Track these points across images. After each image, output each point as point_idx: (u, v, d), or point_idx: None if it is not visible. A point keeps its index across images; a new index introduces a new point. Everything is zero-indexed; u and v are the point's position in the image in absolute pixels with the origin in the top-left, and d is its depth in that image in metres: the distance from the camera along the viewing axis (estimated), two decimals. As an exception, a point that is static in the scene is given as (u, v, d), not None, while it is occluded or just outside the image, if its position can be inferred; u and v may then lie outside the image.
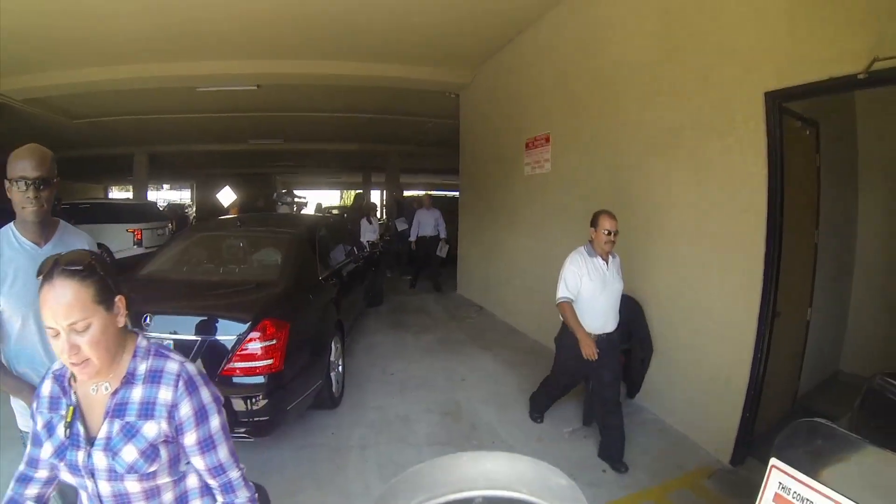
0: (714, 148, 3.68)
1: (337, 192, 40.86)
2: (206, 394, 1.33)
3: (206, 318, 3.49)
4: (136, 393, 1.28)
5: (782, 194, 3.22)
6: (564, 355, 3.73)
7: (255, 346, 3.41)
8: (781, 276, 3.29)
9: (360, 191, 27.70)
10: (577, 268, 3.52)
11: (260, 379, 3.40)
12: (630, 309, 4.44)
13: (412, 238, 9.95)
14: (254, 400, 3.34)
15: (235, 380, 3.38)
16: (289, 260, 4.52)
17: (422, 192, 17.30)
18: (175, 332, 3.41)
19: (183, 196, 33.88)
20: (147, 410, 1.27)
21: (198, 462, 1.34)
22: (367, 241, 9.59)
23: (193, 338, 3.41)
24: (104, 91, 8.89)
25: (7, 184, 1.86)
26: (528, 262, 6.82)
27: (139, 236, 11.25)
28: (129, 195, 24.32)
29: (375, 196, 28.48)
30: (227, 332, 3.42)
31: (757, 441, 3.43)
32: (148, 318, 3.39)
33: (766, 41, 3.22)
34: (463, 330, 7.24)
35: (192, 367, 1.34)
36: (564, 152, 5.90)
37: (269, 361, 3.43)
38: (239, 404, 3.32)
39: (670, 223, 4.17)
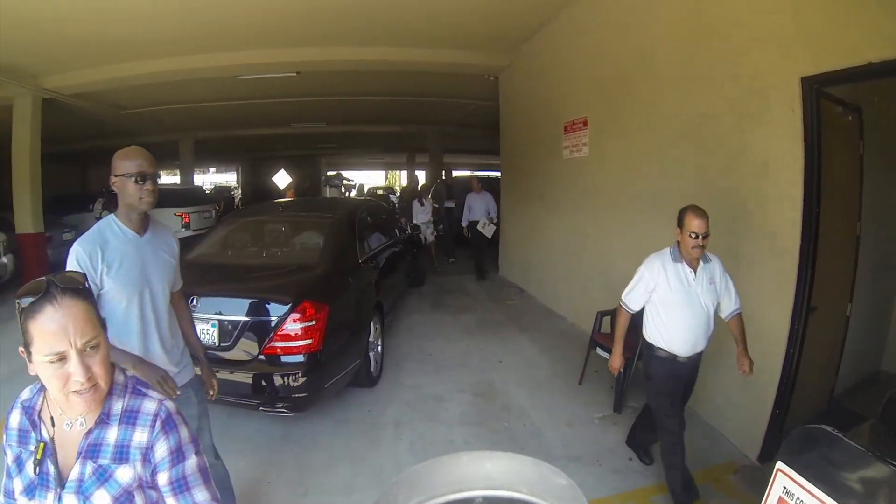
0: (749, 134, 3.57)
1: (381, 173, 41.15)
2: (184, 433, 1.26)
3: (248, 299, 3.69)
4: (111, 434, 1.20)
5: (819, 183, 3.11)
6: (655, 388, 3.05)
7: (295, 327, 3.59)
8: (818, 269, 3.17)
9: (415, 172, 27.46)
10: (652, 274, 2.94)
11: (299, 358, 3.59)
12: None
13: (464, 223, 9.73)
14: (293, 377, 3.53)
15: (276, 358, 3.57)
16: (329, 243, 4.69)
17: (468, 173, 16.79)
18: (220, 313, 3.63)
19: (229, 179, 34.72)
20: (121, 454, 1.20)
21: None
22: (421, 223, 10.05)
23: (237, 318, 3.61)
24: (148, 84, 9.26)
25: (119, 179, 2.08)
26: (567, 245, 6.82)
27: (187, 220, 11.65)
28: (177, 179, 25.08)
29: (422, 176, 28.39)
30: (269, 313, 3.62)
31: (787, 439, 3.37)
32: (195, 300, 3.60)
33: (803, 24, 3.10)
34: (502, 312, 7.31)
35: (171, 405, 1.28)
36: (602, 136, 5.83)
37: (309, 341, 3.61)
38: (279, 381, 3.53)
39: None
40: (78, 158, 20.52)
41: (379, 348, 4.89)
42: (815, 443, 1.45)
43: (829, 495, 1.33)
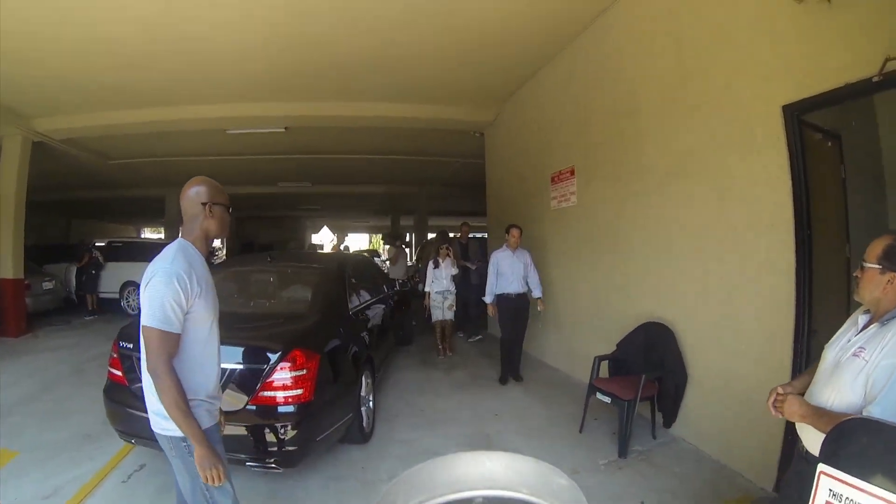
0: (736, 166, 3.66)
1: (365, 236, 41.39)
2: None
3: (238, 347, 3.53)
4: None
5: (808, 208, 3.17)
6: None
7: (285, 376, 3.44)
8: (815, 293, 3.18)
9: (443, 231, 25.08)
10: None
11: (290, 408, 3.42)
12: (660, 335, 4.38)
13: (488, 300, 6.45)
14: (283, 429, 3.35)
15: (265, 409, 3.40)
16: (319, 293, 4.62)
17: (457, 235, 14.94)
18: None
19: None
20: None
21: None
22: (435, 291, 7.58)
23: (224, 366, 3.43)
24: (137, 133, 9.42)
25: (217, 207, 2.22)
26: (559, 296, 6.81)
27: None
28: (161, 236, 24.98)
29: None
30: (259, 362, 3.47)
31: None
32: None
33: (781, 55, 3.24)
34: (494, 367, 7.10)
35: None
36: (590, 184, 5.93)
37: (299, 391, 3.46)
38: (268, 433, 3.34)
39: (696, 245, 4.14)
40: (62, 209, 20.51)
41: (371, 404, 4.71)
42: (855, 436, 1.36)
43: (882, 486, 1.24)
